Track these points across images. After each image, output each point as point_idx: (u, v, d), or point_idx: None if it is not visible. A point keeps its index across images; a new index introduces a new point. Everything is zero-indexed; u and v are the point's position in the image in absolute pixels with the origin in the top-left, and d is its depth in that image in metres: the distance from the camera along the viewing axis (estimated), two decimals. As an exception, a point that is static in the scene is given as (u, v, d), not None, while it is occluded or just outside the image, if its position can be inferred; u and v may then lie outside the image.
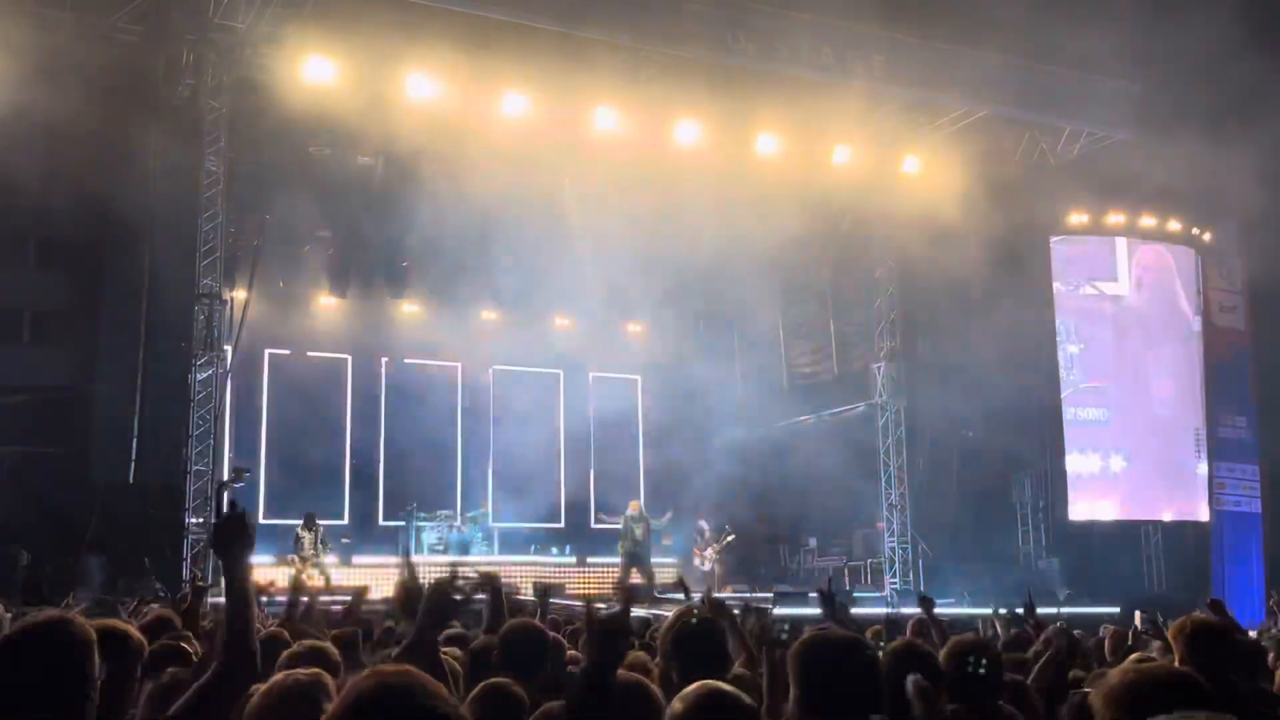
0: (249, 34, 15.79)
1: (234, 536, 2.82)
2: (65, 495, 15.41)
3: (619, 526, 19.25)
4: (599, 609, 2.72)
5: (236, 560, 2.80)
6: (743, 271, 20.17)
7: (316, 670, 3.01)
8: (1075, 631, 6.81)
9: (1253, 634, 8.63)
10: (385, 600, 8.06)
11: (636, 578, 18.05)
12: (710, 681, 2.55)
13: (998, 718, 3.83)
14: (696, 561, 20.47)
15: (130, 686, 3.24)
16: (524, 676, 3.87)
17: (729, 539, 20.21)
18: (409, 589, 3.57)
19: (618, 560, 18.92)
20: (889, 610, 14.15)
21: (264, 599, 6.95)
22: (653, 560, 19.12)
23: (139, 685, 3.41)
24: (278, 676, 2.92)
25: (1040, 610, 7.41)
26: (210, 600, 7.50)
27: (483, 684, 3.69)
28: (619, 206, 18.59)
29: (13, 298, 16.90)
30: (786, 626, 3.98)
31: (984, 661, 3.83)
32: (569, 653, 5.44)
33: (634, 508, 19.13)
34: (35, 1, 15.17)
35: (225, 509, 2.94)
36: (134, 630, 3.35)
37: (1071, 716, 3.79)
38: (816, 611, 15.31)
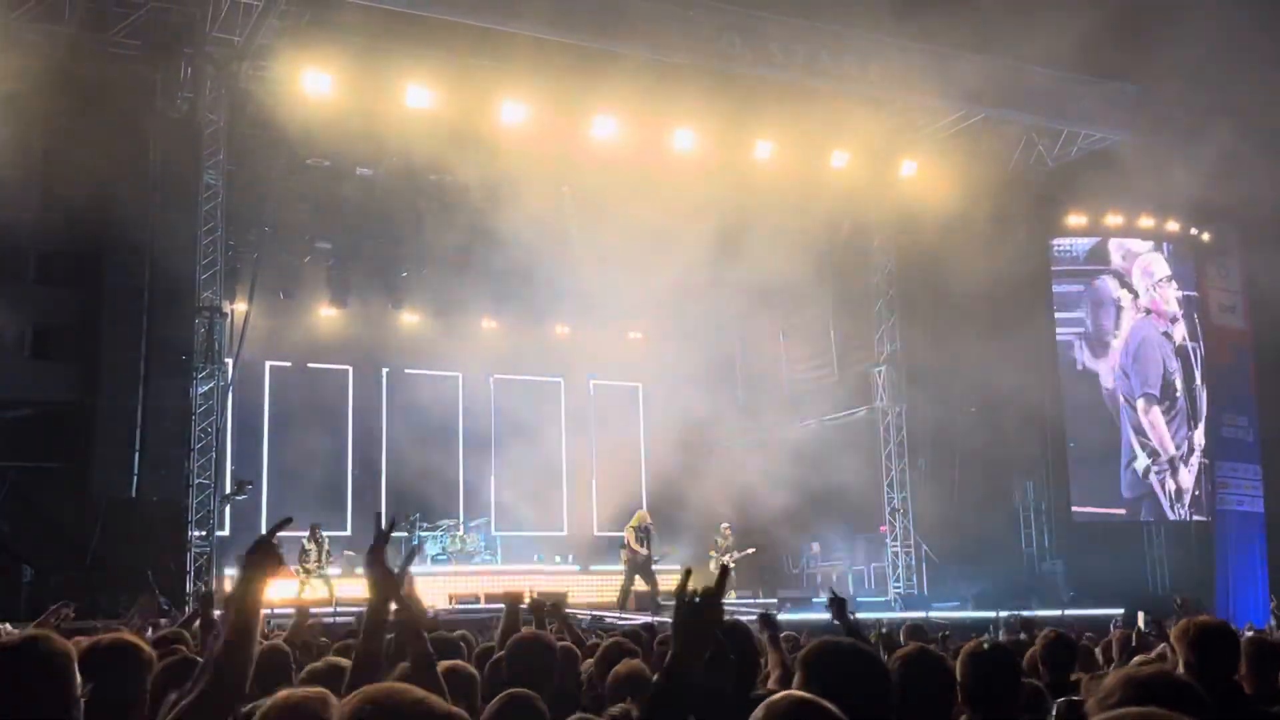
0: (246, 47, 15.81)
1: (268, 558, 2.75)
2: (67, 510, 15.40)
3: (620, 535, 19.20)
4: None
5: (256, 580, 2.72)
6: (742, 278, 20.15)
7: (321, 690, 2.94)
8: (1087, 634, 6.81)
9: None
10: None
11: (640, 585, 18.00)
12: (795, 692, 2.41)
13: None
14: (711, 566, 20.46)
15: (140, 701, 3.21)
16: (533, 688, 3.83)
17: (750, 551, 20.21)
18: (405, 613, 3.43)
19: (621, 568, 18.86)
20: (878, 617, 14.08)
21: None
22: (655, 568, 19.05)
23: (155, 700, 3.37)
24: (281, 694, 2.85)
25: (1045, 612, 7.41)
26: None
27: (504, 694, 3.66)
28: (618, 214, 18.58)
29: (14, 312, 16.89)
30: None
31: (1003, 676, 3.74)
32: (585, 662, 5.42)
33: (639, 517, 19.04)
34: (33, 17, 15.18)
35: (273, 529, 2.88)
36: (144, 643, 3.32)
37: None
38: (823, 617, 15.33)
